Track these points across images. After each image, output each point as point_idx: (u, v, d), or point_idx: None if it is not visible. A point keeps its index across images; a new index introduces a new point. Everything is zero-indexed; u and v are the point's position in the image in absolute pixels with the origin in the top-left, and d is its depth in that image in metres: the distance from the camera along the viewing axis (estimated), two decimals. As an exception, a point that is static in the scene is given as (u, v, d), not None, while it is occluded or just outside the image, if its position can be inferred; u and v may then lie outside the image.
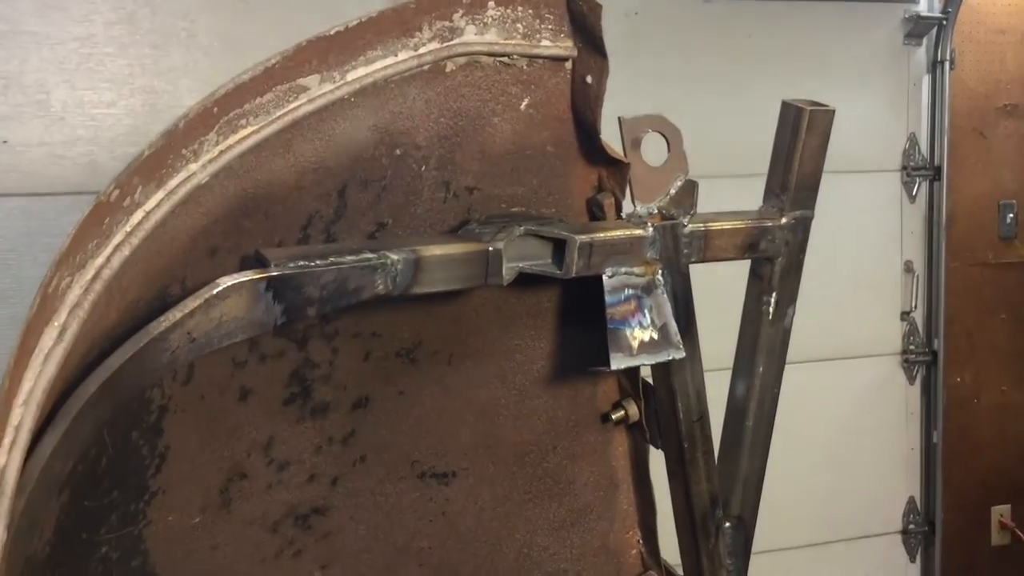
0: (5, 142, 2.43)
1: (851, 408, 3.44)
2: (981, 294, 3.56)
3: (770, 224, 1.42)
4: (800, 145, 1.38)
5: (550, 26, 1.29)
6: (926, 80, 3.41)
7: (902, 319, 3.48)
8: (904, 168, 3.41)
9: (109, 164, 2.50)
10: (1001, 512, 3.66)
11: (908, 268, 3.46)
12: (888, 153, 3.39)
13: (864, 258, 3.39)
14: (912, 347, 3.48)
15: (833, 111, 1.39)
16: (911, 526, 3.55)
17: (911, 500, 3.56)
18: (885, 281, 3.45)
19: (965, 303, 3.53)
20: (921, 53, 3.40)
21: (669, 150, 1.35)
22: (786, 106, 1.40)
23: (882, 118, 3.36)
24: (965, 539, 3.61)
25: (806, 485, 3.34)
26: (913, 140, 3.40)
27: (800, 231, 1.43)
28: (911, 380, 3.52)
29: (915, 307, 3.46)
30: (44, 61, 2.44)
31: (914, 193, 3.44)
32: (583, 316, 1.47)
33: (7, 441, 0.92)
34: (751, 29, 3.15)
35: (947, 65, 3.37)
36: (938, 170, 3.41)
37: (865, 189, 3.36)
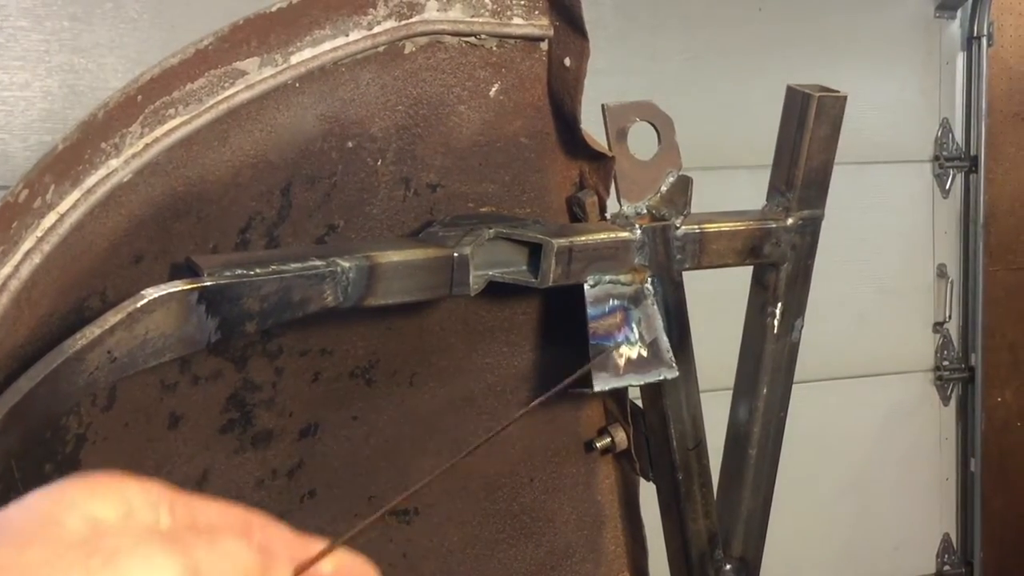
0: (-99, 130, 2.44)
1: (875, 433, 3.47)
2: (1025, 302, 3.61)
3: (774, 225, 1.44)
4: (807, 136, 1.39)
5: (523, 1, 1.31)
6: (960, 58, 3.45)
7: (934, 331, 3.51)
8: (936, 158, 3.44)
9: (22, 155, 2.50)
10: (1048, 551, 3.71)
11: (941, 273, 3.49)
12: (917, 141, 3.42)
13: (890, 261, 3.42)
14: (946, 363, 3.52)
15: (845, 97, 1.41)
16: (946, 567, 3.58)
17: (946, 538, 3.59)
18: (915, 288, 3.48)
19: (1007, 312, 3.55)
20: (955, 27, 3.43)
21: (660, 142, 1.37)
22: (791, 92, 1.42)
23: (910, 101, 3.39)
24: (1007, 581, 3.65)
25: (822, 522, 3.37)
26: (946, 126, 3.44)
27: (808, 233, 1.45)
28: (945, 400, 3.56)
29: (949, 317, 3.49)
30: (-55, 37, 2.44)
31: (947, 187, 3.47)
32: (563, 331, 1.49)
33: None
34: (761, 1, 3.18)
35: (984, 41, 3.41)
36: (975, 161, 3.45)
37: (891, 182, 3.40)
